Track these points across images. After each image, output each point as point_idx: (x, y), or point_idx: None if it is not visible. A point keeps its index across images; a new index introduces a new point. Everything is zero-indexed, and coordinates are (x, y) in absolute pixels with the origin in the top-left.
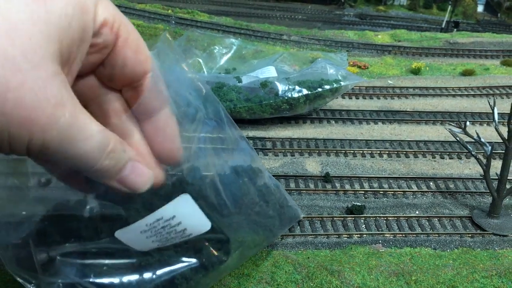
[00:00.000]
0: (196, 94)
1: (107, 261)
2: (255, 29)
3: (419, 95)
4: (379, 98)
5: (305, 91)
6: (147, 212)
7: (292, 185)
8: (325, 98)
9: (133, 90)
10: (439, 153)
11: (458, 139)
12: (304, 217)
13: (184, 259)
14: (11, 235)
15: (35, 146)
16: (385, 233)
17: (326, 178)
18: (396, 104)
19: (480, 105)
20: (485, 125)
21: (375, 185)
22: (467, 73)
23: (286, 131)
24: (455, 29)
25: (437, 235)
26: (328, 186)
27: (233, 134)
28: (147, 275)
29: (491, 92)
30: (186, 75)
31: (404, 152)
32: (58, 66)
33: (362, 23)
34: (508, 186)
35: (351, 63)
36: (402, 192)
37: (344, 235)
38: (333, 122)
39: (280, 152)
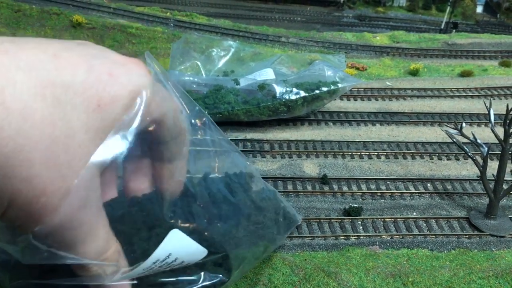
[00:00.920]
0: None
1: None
2: (253, 31)
3: (417, 97)
4: (377, 100)
5: (303, 93)
6: (143, 259)
7: (290, 187)
8: (323, 100)
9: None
10: (437, 154)
11: (454, 140)
12: (301, 219)
13: (184, 281)
14: None
15: (37, 233)
16: (382, 235)
17: (324, 180)
18: (394, 105)
19: (478, 106)
20: (483, 126)
21: (373, 186)
22: (465, 74)
23: (284, 133)
24: (454, 30)
25: (434, 236)
26: (326, 188)
27: (224, 143)
28: None
29: (489, 93)
30: (175, 85)
31: (402, 154)
32: (97, 169)
33: (361, 24)
34: (504, 187)
35: (349, 65)
36: (399, 194)
37: (341, 237)
38: (331, 124)
39: (278, 154)
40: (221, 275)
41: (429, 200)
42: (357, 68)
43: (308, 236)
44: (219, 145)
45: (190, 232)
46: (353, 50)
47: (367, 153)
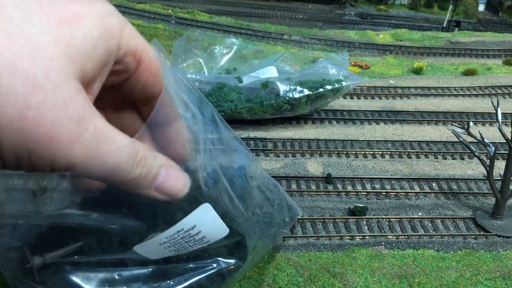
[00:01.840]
0: (191, 98)
1: (119, 271)
2: (255, 29)
3: (421, 95)
4: (380, 98)
5: (306, 91)
6: (168, 226)
7: (294, 186)
8: (326, 98)
9: (148, 105)
10: (442, 153)
11: (461, 139)
12: (305, 219)
13: (200, 266)
14: (7, 237)
15: (60, 164)
16: (388, 235)
17: (328, 179)
18: (398, 104)
19: (482, 105)
20: (487, 125)
21: (377, 186)
22: (469, 72)
23: (287, 132)
24: (456, 29)
25: (440, 236)
26: (330, 187)
27: (229, 136)
28: (163, 284)
29: (493, 91)
30: (180, 79)
31: (407, 153)
32: (80, 85)
33: (363, 22)
34: (511, 187)
35: (353, 63)
36: (404, 193)
37: (346, 237)
38: (335, 122)
39: (282, 153)
40: (237, 260)
41: (434, 200)
42: (360, 66)
43: (313, 236)
44: (231, 142)
45: (216, 209)
46: (356, 48)
47: (371, 152)
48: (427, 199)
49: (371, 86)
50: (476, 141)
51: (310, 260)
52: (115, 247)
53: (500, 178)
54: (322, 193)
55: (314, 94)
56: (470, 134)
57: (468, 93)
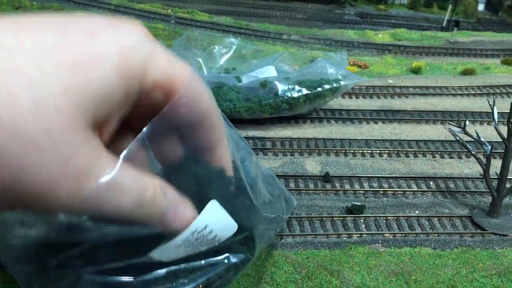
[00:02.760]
0: None
1: (134, 275)
2: (255, 28)
3: (420, 95)
4: (379, 98)
5: (305, 91)
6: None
7: (292, 185)
8: (325, 97)
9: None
10: (439, 152)
11: (457, 138)
12: (303, 217)
13: (212, 263)
14: (19, 235)
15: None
16: (385, 233)
17: (326, 177)
18: (397, 103)
19: (480, 104)
20: (485, 124)
21: (375, 184)
22: (467, 72)
23: (285, 131)
24: (455, 28)
25: (436, 234)
26: (328, 186)
27: (231, 133)
28: (177, 284)
29: (491, 91)
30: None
31: (404, 152)
32: (90, 131)
33: (363, 22)
34: (508, 186)
35: (351, 63)
36: (402, 192)
37: (343, 235)
38: (333, 121)
39: (280, 152)
40: (246, 253)
41: (431, 199)
42: (359, 66)
43: (311, 234)
44: (234, 139)
45: (223, 204)
46: (355, 47)
47: (369, 151)
48: (424, 198)
49: (369, 86)
50: (473, 140)
51: (308, 257)
52: (131, 252)
53: (497, 177)
54: (320, 191)
55: (313, 94)
56: (466, 133)
57: (466, 92)
